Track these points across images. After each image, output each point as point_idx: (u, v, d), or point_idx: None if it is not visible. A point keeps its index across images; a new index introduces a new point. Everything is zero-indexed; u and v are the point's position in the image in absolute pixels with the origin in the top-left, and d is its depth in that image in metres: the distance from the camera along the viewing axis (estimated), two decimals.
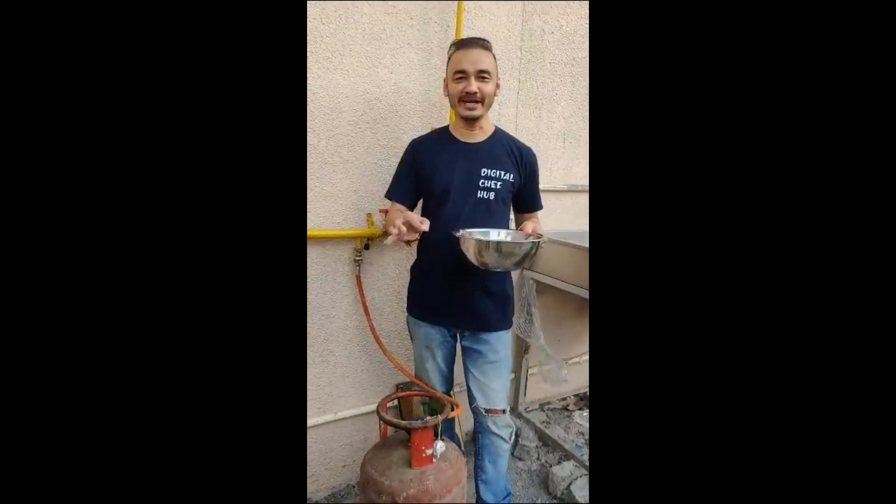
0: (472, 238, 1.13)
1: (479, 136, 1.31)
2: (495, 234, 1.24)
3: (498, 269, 1.15)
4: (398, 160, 1.37)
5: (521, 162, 1.32)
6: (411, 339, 1.46)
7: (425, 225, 1.11)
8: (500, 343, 1.36)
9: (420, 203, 1.37)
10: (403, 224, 1.09)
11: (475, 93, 1.20)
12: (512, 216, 1.42)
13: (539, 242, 1.13)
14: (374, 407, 1.60)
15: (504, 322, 1.37)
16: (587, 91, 1.96)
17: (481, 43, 1.23)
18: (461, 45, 1.23)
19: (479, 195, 1.27)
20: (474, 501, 1.51)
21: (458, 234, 1.15)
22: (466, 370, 1.41)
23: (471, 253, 1.13)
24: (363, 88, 1.46)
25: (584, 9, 1.85)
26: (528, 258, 1.13)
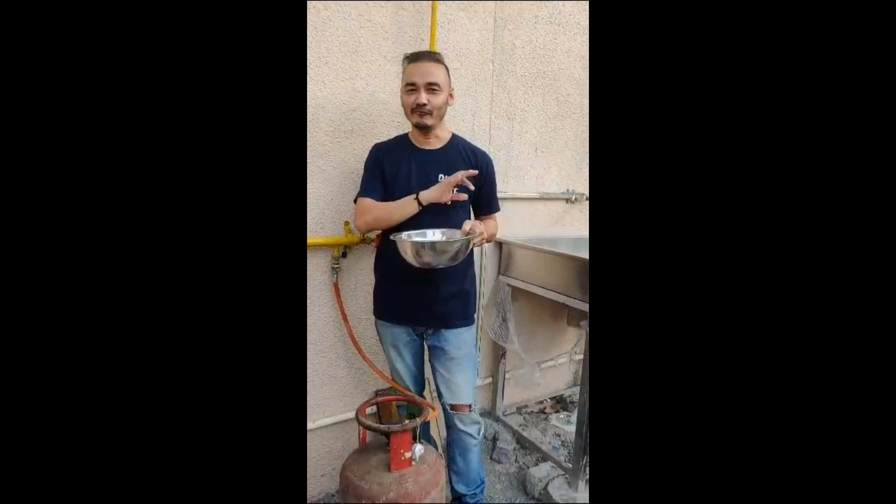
0: (408, 241, 1.20)
1: (435, 143, 1.37)
2: (431, 234, 1.31)
3: (438, 266, 1.23)
4: None
5: (477, 166, 1.36)
6: (380, 340, 1.51)
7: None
8: (462, 339, 1.41)
9: None
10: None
11: (424, 104, 1.25)
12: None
13: (470, 239, 1.20)
14: (352, 415, 1.61)
15: (465, 319, 1.42)
16: (557, 103, 2.04)
17: (431, 56, 1.28)
18: (412, 58, 1.28)
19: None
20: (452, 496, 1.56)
21: (393, 238, 1.21)
22: (432, 367, 1.47)
23: (409, 255, 1.20)
24: (340, 99, 1.49)
25: (553, 24, 1.93)
26: (461, 253, 1.22)
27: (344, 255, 1.57)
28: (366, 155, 1.56)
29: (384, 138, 1.58)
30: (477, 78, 1.77)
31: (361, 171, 1.56)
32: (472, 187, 1.27)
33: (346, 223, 1.55)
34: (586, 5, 2.01)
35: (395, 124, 1.61)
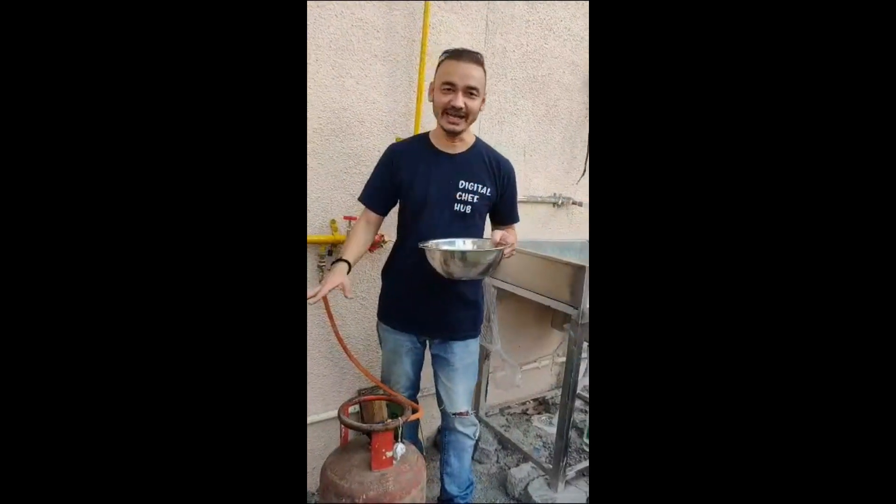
0: (438, 249, 1.15)
1: (458, 147, 1.30)
2: (461, 244, 1.26)
3: (464, 278, 1.18)
4: (364, 168, 1.39)
5: (499, 175, 1.33)
6: (380, 343, 1.48)
7: (350, 293, 1.16)
8: (468, 351, 1.39)
9: (396, 211, 1.39)
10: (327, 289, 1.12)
11: (461, 108, 1.18)
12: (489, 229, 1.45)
13: (502, 251, 1.15)
14: (334, 414, 1.60)
15: (473, 331, 1.40)
16: (546, 107, 2.06)
17: (474, 56, 1.20)
18: (454, 55, 1.20)
19: (455, 208, 1.28)
20: (437, 498, 1.57)
21: (422, 246, 1.17)
22: (435, 375, 1.45)
23: (437, 263, 1.15)
24: (330, 97, 1.48)
25: (544, 28, 1.95)
26: (493, 267, 1.16)
27: (329, 252, 1.56)
28: (355, 154, 1.56)
29: (373, 137, 1.59)
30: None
31: (350, 171, 1.57)
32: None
33: (333, 221, 1.54)
34: (577, 11, 2.03)
35: (385, 123, 1.61)
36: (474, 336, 1.40)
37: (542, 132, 2.08)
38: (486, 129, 1.89)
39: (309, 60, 1.42)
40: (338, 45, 1.46)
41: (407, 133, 1.62)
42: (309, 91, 1.44)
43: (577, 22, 2.05)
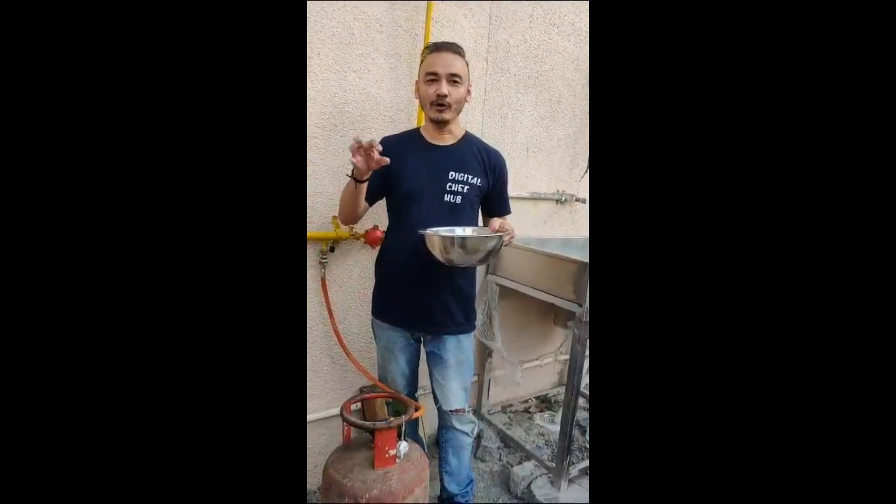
0: (437, 235, 1.15)
1: (448, 139, 1.32)
2: (461, 231, 1.26)
3: (464, 265, 1.17)
4: None
5: (490, 166, 1.34)
6: (375, 339, 1.47)
7: (376, 153, 1.08)
8: (461, 346, 1.38)
9: (385, 205, 1.38)
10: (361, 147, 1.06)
11: (445, 95, 1.21)
12: (480, 222, 1.45)
13: (502, 237, 1.15)
14: (335, 411, 1.60)
15: (466, 326, 1.39)
16: (549, 103, 2.04)
17: (454, 48, 1.24)
18: (435, 48, 1.24)
19: (445, 198, 1.28)
20: (437, 496, 1.56)
21: (422, 233, 1.17)
22: (430, 372, 1.44)
23: (436, 250, 1.14)
24: (332, 92, 1.47)
25: (548, 24, 1.93)
26: (493, 253, 1.16)
27: (332, 249, 1.55)
28: None
29: (376, 132, 1.57)
30: (470, 75, 1.76)
31: (351, 166, 1.55)
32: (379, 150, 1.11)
33: (335, 218, 1.53)
34: (581, 7, 2.02)
35: (387, 119, 1.60)
36: (467, 332, 1.39)
37: (545, 128, 2.06)
38: (489, 124, 1.87)
39: (310, 55, 1.40)
40: (340, 40, 1.45)
41: (409, 127, 1.61)
42: (310, 86, 1.42)
43: (580, 17, 2.03)
